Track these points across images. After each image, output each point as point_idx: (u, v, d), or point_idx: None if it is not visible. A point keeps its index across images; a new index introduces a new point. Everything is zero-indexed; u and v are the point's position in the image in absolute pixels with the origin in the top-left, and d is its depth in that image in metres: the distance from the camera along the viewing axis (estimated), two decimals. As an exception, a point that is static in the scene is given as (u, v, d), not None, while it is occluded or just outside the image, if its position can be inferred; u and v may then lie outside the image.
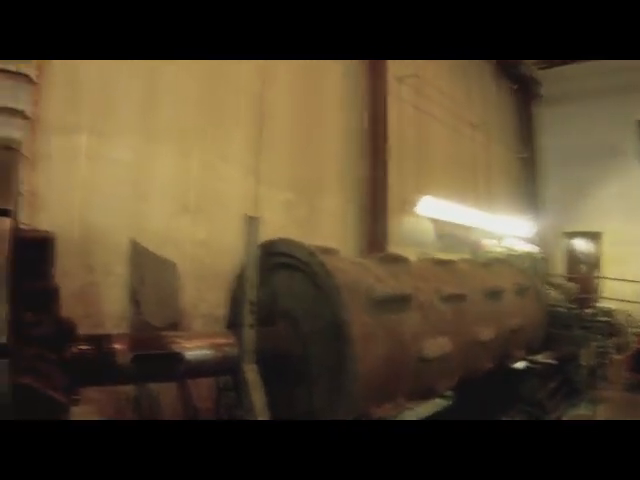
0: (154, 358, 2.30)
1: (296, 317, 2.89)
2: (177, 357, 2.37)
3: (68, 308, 5.00)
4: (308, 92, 7.68)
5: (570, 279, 11.00)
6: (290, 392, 2.86)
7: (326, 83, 8.05)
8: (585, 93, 13.38)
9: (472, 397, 4.86)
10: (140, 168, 5.85)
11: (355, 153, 8.41)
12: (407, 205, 9.21)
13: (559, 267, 13.56)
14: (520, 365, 5.20)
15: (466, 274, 4.45)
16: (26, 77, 5.01)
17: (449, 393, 4.87)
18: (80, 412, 5.05)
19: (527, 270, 6.82)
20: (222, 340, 2.61)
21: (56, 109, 5.24)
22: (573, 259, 13.87)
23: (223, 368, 2.61)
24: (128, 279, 5.59)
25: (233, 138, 6.72)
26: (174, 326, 5.91)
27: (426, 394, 3.63)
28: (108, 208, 5.56)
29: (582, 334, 6.57)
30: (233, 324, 3.19)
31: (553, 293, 7.07)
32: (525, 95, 14.28)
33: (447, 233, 10.32)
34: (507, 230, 11.73)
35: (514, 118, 14.07)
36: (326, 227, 7.70)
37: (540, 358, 5.40)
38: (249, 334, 2.48)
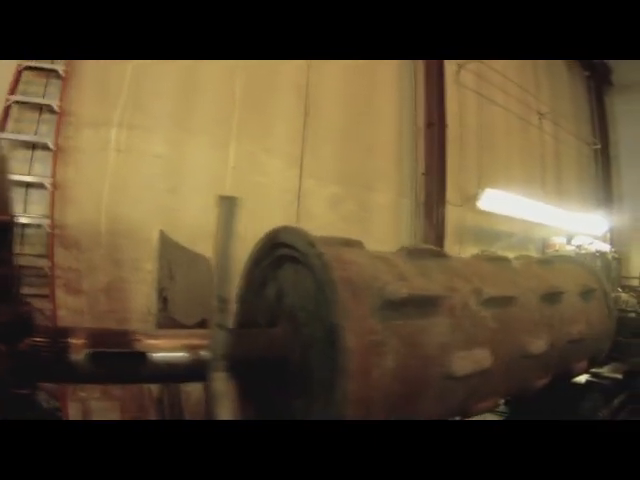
0: (113, 357, 2.01)
1: (298, 318, 2.45)
2: (140, 357, 2.06)
3: (94, 303, 5.00)
4: (358, 80, 7.24)
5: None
6: (290, 403, 2.46)
7: (378, 70, 7.56)
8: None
9: (525, 415, 4.33)
10: (172, 160, 5.63)
11: (409, 144, 7.88)
12: (468, 199, 8.51)
13: (636, 269, 12.37)
14: (581, 379, 4.60)
15: (520, 273, 3.80)
16: (54, 72, 5.01)
17: (502, 410, 4.39)
18: (103, 408, 4.93)
19: (596, 271, 6.07)
20: (198, 341, 2.24)
21: (85, 103, 5.13)
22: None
23: (195, 374, 2.23)
24: (157, 274, 5.44)
25: (276, 129, 6.38)
26: (204, 324, 5.72)
27: (457, 416, 3.05)
28: (138, 202, 5.37)
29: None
30: (240, 324, 2.87)
31: (624, 296, 6.32)
32: (598, 83, 13.18)
33: (513, 230, 9.51)
34: (578, 227, 10.74)
35: (586, 107, 13.02)
36: (377, 223, 7.22)
37: (605, 371, 4.77)
38: (219, 337, 2.12)
